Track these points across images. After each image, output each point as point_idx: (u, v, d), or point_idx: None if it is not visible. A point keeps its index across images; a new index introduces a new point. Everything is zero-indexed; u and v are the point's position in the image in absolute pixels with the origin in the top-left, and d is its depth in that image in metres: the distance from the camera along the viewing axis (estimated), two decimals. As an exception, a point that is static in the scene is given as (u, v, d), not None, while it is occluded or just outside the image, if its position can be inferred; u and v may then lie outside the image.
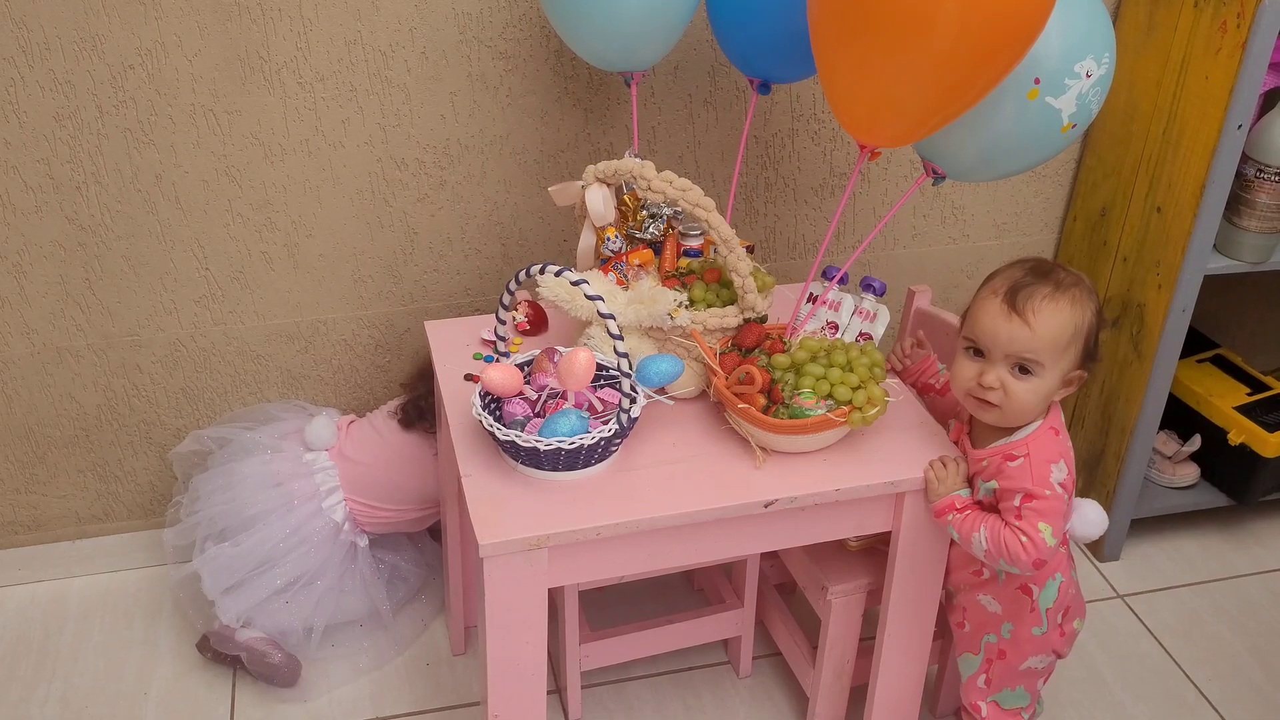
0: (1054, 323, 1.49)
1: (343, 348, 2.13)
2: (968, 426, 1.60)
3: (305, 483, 1.97)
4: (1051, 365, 1.51)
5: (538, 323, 1.81)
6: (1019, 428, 1.55)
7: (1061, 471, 1.52)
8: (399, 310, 2.11)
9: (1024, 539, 1.50)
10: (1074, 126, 1.51)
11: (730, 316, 1.62)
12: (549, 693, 1.99)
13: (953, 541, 1.63)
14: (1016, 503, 1.51)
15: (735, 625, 1.98)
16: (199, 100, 1.85)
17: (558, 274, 1.47)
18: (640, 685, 2.02)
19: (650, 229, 1.72)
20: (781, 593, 2.05)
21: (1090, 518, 1.62)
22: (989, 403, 1.52)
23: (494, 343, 1.66)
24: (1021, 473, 1.51)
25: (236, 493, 1.97)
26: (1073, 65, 1.47)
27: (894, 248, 2.28)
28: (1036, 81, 1.46)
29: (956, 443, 1.60)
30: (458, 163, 2.00)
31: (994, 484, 1.54)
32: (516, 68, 1.94)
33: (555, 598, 1.94)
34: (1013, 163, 1.57)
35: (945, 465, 1.56)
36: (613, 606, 2.09)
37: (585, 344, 1.65)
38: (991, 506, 1.56)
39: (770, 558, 2.03)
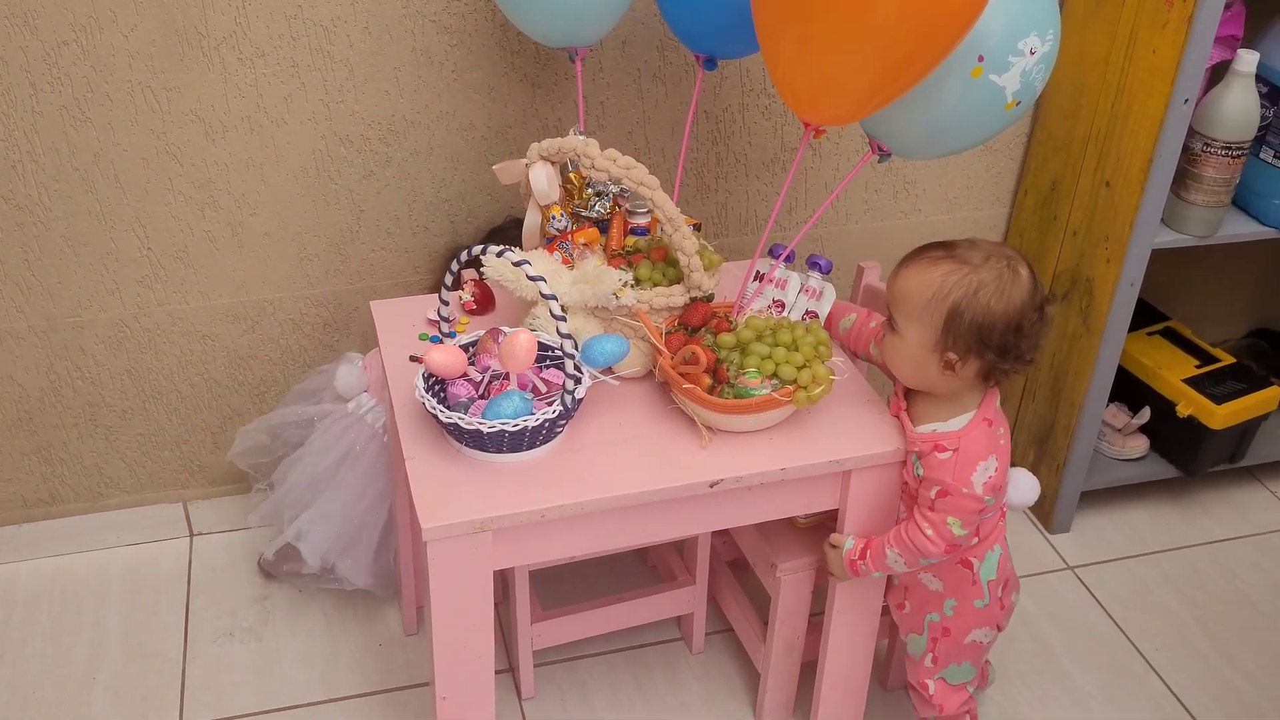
0: (915, 279, 1.49)
1: (290, 327, 2.10)
2: (904, 401, 1.60)
3: (359, 427, 1.96)
4: (905, 325, 1.50)
5: (485, 302, 1.79)
6: (951, 416, 1.54)
7: (989, 470, 1.51)
8: (347, 289, 2.09)
9: (929, 531, 1.52)
10: (1018, 104, 1.51)
11: (676, 295, 1.61)
12: (501, 671, 1.99)
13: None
14: (932, 494, 1.52)
15: (687, 602, 1.99)
16: (136, 77, 1.82)
17: (499, 254, 1.46)
18: (593, 663, 2.02)
19: (596, 207, 1.71)
20: (734, 569, 2.05)
21: (1023, 485, 1.64)
22: None
23: (439, 323, 1.64)
24: (945, 467, 1.51)
25: (304, 465, 1.98)
26: (1016, 42, 1.46)
27: (846, 223, 2.28)
28: (980, 59, 1.45)
29: (896, 417, 1.60)
30: (403, 139, 1.97)
31: (922, 470, 1.54)
32: (462, 43, 1.92)
33: (506, 576, 1.94)
34: (958, 140, 1.56)
35: (828, 570, 1.66)
36: (565, 584, 2.09)
37: (531, 324, 1.64)
38: (917, 489, 1.56)
39: (722, 534, 2.03)
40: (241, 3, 1.80)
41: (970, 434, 1.53)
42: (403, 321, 1.77)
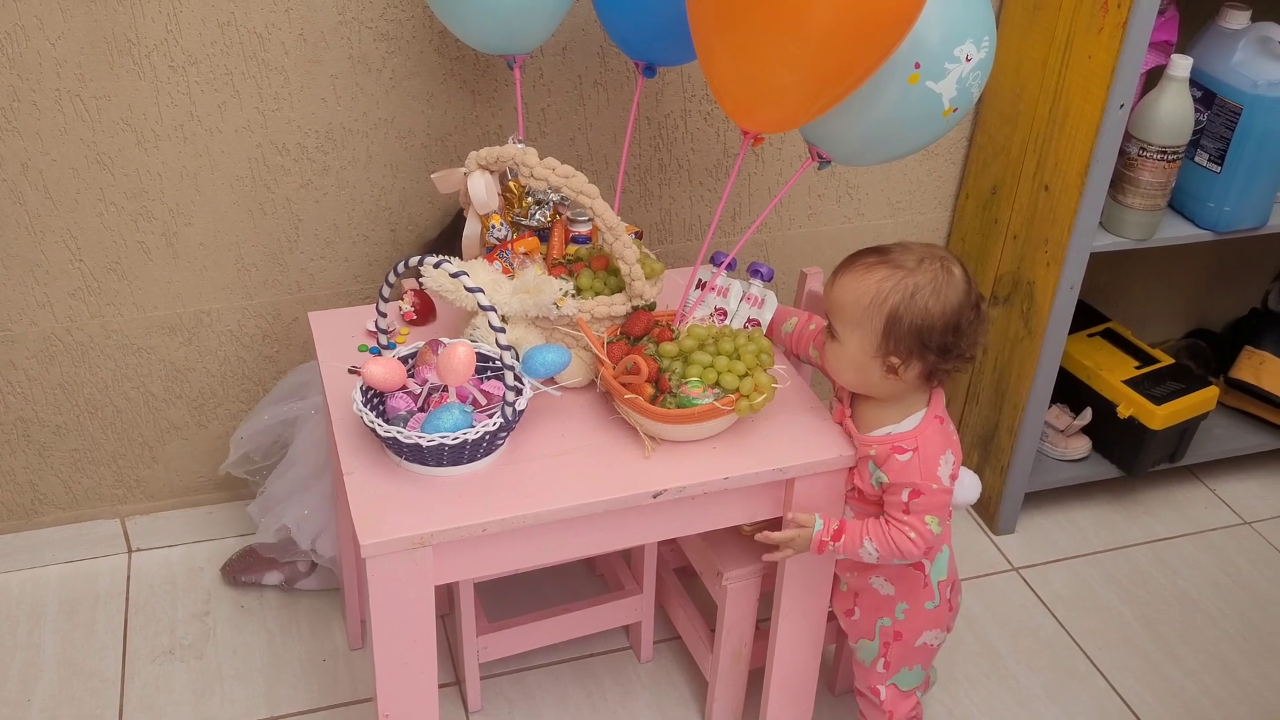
0: (852, 287, 1.49)
1: (229, 339, 2.07)
2: (849, 409, 1.60)
3: None
4: (846, 332, 1.51)
5: (425, 312, 1.77)
6: (902, 417, 1.55)
7: (949, 464, 1.53)
8: (286, 299, 2.06)
9: (912, 534, 1.51)
10: (955, 110, 1.51)
11: (618, 304, 1.60)
12: (447, 684, 1.97)
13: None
14: (904, 498, 1.52)
15: (635, 611, 1.97)
16: (64, 85, 1.78)
17: (437, 265, 1.44)
18: (541, 674, 2.01)
19: (536, 216, 1.69)
20: (681, 577, 2.04)
21: (965, 483, 1.65)
22: None
23: (377, 335, 1.62)
24: (910, 468, 1.51)
25: (294, 466, 1.97)
26: (952, 49, 1.46)
27: (789, 228, 2.28)
28: (917, 66, 1.46)
29: (840, 424, 1.60)
30: (341, 147, 1.95)
31: (884, 476, 1.54)
32: (399, 49, 1.89)
33: (451, 589, 1.92)
34: (896, 147, 1.56)
35: (783, 541, 1.57)
36: (511, 595, 2.07)
37: (471, 334, 1.62)
38: (877, 498, 1.56)
39: (669, 542, 2.02)
40: (172, 9, 1.76)
41: (926, 431, 1.53)
42: (341, 333, 1.74)
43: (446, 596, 2.03)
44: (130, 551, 2.21)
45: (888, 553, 1.54)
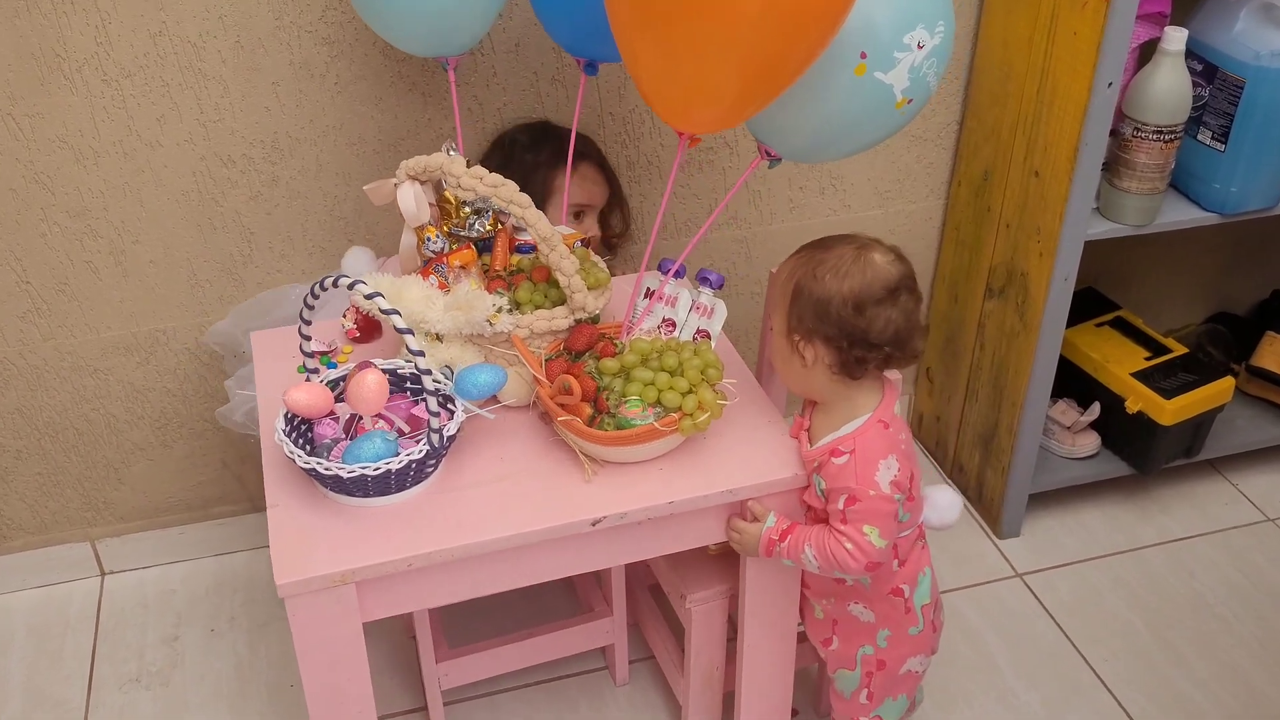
0: (781, 267, 1.50)
1: (187, 356, 2.01)
2: (808, 421, 1.50)
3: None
4: (774, 313, 1.49)
5: (369, 329, 1.69)
6: (846, 422, 1.45)
7: (891, 469, 1.42)
8: (244, 314, 1.99)
9: (849, 545, 1.41)
10: (910, 102, 1.40)
11: (559, 318, 1.51)
12: (416, 710, 1.90)
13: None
14: (840, 505, 1.42)
15: (605, 634, 1.89)
16: (-6, 104, 1.72)
17: (350, 287, 1.36)
18: (512, 697, 1.93)
19: (476, 226, 1.60)
20: (656, 595, 1.96)
21: (941, 504, 1.54)
22: None
23: (319, 355, 1.55)
24: (845, 471, 1.42)
25: None
26: (902, 37, 1.35)
27: (770, 223, 2.17)
28: (863, 56, 1.35)
29: (796, 439, 1.50)
30: (289, 157, 1.87)
31: (824, 482, 1.44)
32: (342, 53, 1.81)
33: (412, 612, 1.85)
34: (847, 143, 1.45)
35: (736, 528, 1.49)
36: (481, 613, 2.00)
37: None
38: (824, 507, 1.46)
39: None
40: (100, 21, 1.70)
41: (865, 434, 1.44)
42: (284, 353, 1.67)
43: (408, 620, 1.96)
44: (103, 574, 2.17)
45: (826, 563, 1.43)
